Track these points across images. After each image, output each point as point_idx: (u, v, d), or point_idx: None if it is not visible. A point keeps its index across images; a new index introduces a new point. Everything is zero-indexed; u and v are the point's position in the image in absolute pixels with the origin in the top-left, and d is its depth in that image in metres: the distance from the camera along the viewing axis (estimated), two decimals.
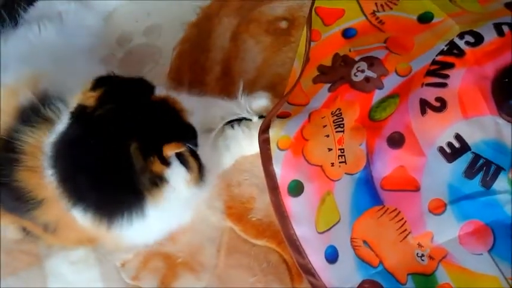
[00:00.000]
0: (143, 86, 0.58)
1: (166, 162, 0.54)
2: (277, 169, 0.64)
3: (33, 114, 0.61)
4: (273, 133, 0.66)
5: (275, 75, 0.75)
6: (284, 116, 0.68)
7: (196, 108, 0.60)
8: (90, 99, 0.55)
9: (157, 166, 0.53)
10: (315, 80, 0.69)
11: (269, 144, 0.66)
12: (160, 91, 0.58)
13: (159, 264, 0.67)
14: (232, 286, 0.64)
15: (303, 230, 0.61)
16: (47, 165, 0.57)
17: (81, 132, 0.55)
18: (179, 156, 0.55)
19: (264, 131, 0.66)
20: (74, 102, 0.56)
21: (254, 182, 0.69)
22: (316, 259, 0.60)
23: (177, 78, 0.76)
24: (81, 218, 0.57)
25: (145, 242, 0.65)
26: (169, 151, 0.54)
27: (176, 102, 0.58)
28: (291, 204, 0.62)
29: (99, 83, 0.56)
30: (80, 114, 0.55)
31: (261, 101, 0.70)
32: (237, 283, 0.65)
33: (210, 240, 0.67)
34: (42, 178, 0.58)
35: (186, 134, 0.56)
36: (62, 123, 0.57)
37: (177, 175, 0.56)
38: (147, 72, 0.76)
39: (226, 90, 0.73)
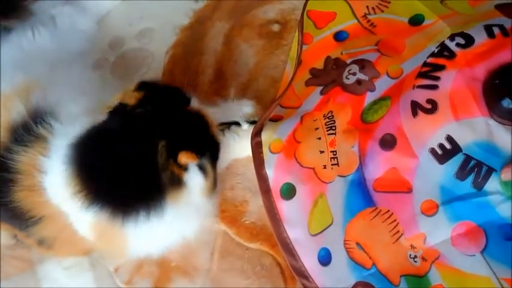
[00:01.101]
0: (181, 96, 0.61)
1: (182, 167, 0.57)
2: (270, 172, 0.64)
3: (25, 133, 0.61)
4: (265, 136, 0.66)
5: (268, 78, 0.75)
6: (276, 119, 0.69)
7: None
8: (132, 98, 0.57)
9: (175, 168, 0.56)
10: (308, 83, 0.69)
11: (261, 147, 0.66)
12: (194, 103, 0.61)
13: (153, 269, 0.67)
14: None
15: (295, 233, 0.61)
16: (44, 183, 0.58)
17: (117, 125, 0.57)
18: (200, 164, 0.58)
19: (256, 134, 0.66)
20: (113, 101, 0.58)
21: (247, 185, 0.69)
22: (309, 262, 0.60)
23: (170, 82, 0.76)
24: (88, 224, 0.57)
25: (149, 250, 0.64)
26: (184, 159, 0.56)
27: (207, 116, 0.61)
28: (284, 207, 0.62)
29: (142, 86, 0.59)
30: (119, 111, 0.57)
31: (246, 109, 0.70)
32: (231, 286, 0.65)
33: (204, 243, 0.67)
34: (40, 197, 0.58)
35: (210, 146, 0.60)
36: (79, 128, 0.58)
37: (194, 181, 0.58)
38: (140, 76, 0.75)
39: (219, 93, 0.74)
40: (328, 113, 0.65)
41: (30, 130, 0.61)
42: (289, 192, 0.63)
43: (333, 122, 0.64)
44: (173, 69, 0.78)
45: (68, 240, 0.60)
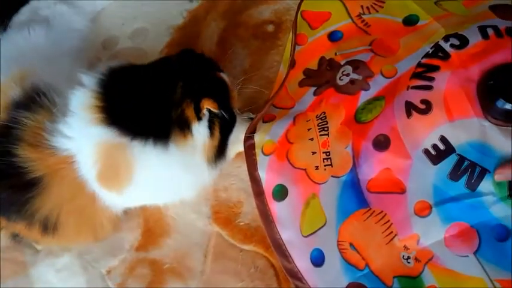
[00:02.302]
0: (216, 65, 0.66)
1: (198, 113, 0.59)
2: (262, 174, 0.64)
3: (29, 102, 0.63)
4: (258, 138, 0.66)
5: (263, 78, 0.75)
6: (269, 119, 0.68)
7: None
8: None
9: (189, 111, 0.59)
10: (301, 84, 0.69)
11: (254, 149, 0.66)
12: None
13: (145, 271, 0.67)
14: None
15: (288, 234, 0.61)
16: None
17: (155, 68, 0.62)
18: (211, 119, 0.61)
19: (249, 136, 0.66)
20: None
21: (241, 187, 0.68)
22: (302, 263, 0.60)
23: None
24: (94, 146, 0.58)
25: (148, 196, 0.66)
26: (206, 105, 0.59)
27: (232, 90, 0.65)
28: (276, 208, 0.62)
29: (183, 52, 0.64)
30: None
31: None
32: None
33: (197, 245, 0.67)
34: (44, 153, 0.59)
35: (228, 112, 0.63)
36: None
37: (200, 134, 0.60)
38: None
39: None
40: (320, 114, 0.65)
41: (33, 100, 0.63)
42: (281, 193, 0.62)
43: (325, 122, 0.64)
44: None
45: (74, 211, 0.61)
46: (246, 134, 0.67)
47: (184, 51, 0.65)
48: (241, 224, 0.67)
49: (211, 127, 0.61)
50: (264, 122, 0.69)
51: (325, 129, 0.63)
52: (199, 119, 0.59)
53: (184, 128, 0.59)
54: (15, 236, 0.65)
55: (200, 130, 0.60)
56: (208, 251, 0.66)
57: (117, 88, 0.60)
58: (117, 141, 0.57)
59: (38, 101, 0.63)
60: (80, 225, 0.63)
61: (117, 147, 0.57)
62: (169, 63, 0.63)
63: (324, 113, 0.64)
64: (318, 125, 0.64)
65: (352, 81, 0.64)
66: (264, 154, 0.65)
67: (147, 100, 0.59)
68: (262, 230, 0.65)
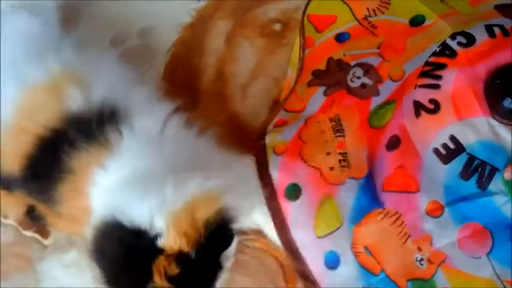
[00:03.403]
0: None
1: None
2: (274, 174, 0.63)
3: (86, 131, 0.57)
4: (269, 139, 0.66)
5: (269, 77, 0.75)
6: (281, 124, 0.68)
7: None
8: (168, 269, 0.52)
9: None
10: (310, 84, 0.69)
11: (265, 150, 0.65)
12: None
13: None
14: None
15: (301, 235, 0.60)
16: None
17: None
18: None
19: (260, 137, 0.66)
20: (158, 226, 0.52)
21: None
22: (315, 265, 0.59)
23: (171, 81, 0.75)
24: None
25: None
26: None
27: None
28: (289, 208, 0.61)
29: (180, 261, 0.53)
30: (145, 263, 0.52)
31: None
32: (232, 284, 0.63)
33: None
34: (84, 202, 0.56)
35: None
36: None
37: None
38: (141, 74, 0.75)
39: (220, 93, 0.73)
40: (334, 116, 0.64)
41: (92, 130, 0.57)
42: (294, 193, 0.61)
43: (340, 125, 0.63)
44: (174, 68, 0.77)
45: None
46: (256, 136, 0.66)
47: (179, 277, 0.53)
48: None
49: None
50: (275, 127, 0.68)
51: (340, 131, 0.63)
52: None
53: None
54: (30, 210, 0.65)
55: None
56: None
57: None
58: None
59: (94, 133, 0.57)
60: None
61: None
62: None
63: (338, 115, 0.64)
64: (332, 128, 0.63)
65: (363, 85, 0.64)
66: (276, 154, 0.64)
67: None
68: None
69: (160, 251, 0.51)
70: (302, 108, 0.68)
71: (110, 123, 0.58)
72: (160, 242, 0.51)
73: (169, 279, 0.51)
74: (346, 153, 0.62)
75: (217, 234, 0.54)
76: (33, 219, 0.65)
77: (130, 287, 0.53)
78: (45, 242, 0.69)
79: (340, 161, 0.61)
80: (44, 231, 0.69)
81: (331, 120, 0.64)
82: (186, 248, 0.51)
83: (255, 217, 0.64)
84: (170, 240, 0.51)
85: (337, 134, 0.63)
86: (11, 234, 0.70)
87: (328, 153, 0.62)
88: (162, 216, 0.52)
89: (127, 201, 0.54)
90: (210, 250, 0.54)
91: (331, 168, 0.61)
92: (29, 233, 0.69)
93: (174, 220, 0.52)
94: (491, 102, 0.54)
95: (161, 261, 0.51)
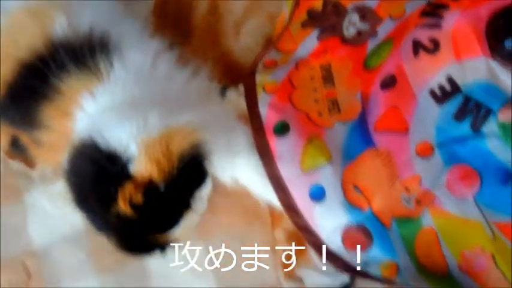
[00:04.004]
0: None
1: None
2: (263, 111, 0.62)
3: (77, 57, 0.57)
4: (260, 78, 0.64)
5: (264, 13, 0.72)
6: (271, 65, 0.67)
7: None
8: (134, 196, 0.52)
9: None
10: (304, 25, 0.67)
11: (255, 87, 0.64)
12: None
13: None
14: (213, 224, 0.65)
15: (287, 169, 0.60)
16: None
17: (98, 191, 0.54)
18: None
19: (250, 75, 0.65)
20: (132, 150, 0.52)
21: None
22: (299, 197, 0.59)
23: (162, 15, 0.73)
24: None
25: None
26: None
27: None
28: (276, 144, 0.60)
29: (150, 196, 0.53)
30: (114, 185, 0.52)
31: None
32: (219, 221, 0.66)
33: None
34: (67, 125, 0.57)
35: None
36: None
37: None
38: (131, 8, 0.72)
39: (212, 28, 0.72)
40: (326, 65, 0.63)
41: (84, 56, 0.57)
42: (282, 129, 0.61)
43: (330, 74, 0.62)
44: (165, 2, 0.74)
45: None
46: (246, 73, 0.65)
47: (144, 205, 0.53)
48: None
49: None
50: (265, 67, 0.67)
51: (330, 80, 0.62)
52: None
53: None
54: (14, 141, 0.64)
55: None
56: None
57: None
58: None
59: (86, 61, 0.57)
60: None
61: None
62: None
63: (330, 64, 0.63)
64: (322, 77, 0.63)
65: (359, 33, 0.63)
66: (266, 92, 0.63)
67: None
68: None
69: (130, 177, 0.52)
70: (293, 49, 0.66)
71: (101, 52, 0.58)
72: (131, 168, 0.51)
73: (133, 206, 0.51)
74: (336, 100, 0.61)
75: (189, 169, 0.54)
76: (17, 149, 0.65)
77: (95, 208, 0.54)
78: (32, 173, 0.69)
79: (328, 107, 0.61)
80: (30, 162, 0.69)
81: (321, 68, 0.63)
82: (156, 176, 0.52)
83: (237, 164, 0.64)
84: (141, 165, 0.51)
85: (327, 83, 0.62)
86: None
87: (316, 101, 0.62)
88: (137, 142, 0.52)
89: (107, 124, 0.54)
90: (180, 186, 0.54)
91: (319, 114, 0.61)
92: (15, 164, 0.69)
93: (147, 147, 0.52)
94: (492, 43, 0.53)
95: (129, 186, 0.51)
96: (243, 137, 0.62)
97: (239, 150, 0.62)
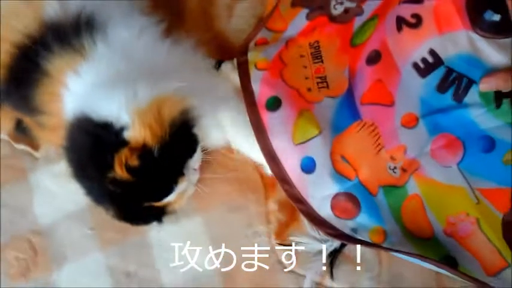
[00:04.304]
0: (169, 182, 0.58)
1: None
2: (256, 87, 0.64)
3: (62, 38, 0.58)
4: (252, 56, 0.66)
5: None
6: (262, 43, 0.68)
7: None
8: (130, 159, 0.53)
9: None
10: (294, 3, 0.68)
11: (247, 65, 0.66)
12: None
13: None
14: (210, 195, 0.65)
15: (279, 142, 0.62)
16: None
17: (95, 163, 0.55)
18: None
19: (242, 53, 0.66)
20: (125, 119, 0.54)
21: None
22: (291, 169, 0.61)
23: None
24: None
25: None
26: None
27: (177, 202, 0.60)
28: (268, 118, 0.62)
29: (146, 159, 0.54)
30: (110, 154, 0.53)
31: None
32: (215, 192, 0.67)
33: None
34: (59, 106, 0.58)
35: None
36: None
37: None
38: None
39: (206, 11, 0.73)
40: (314, 43, 0.65)
41: (68, 37, 0.58)
42: (274, 104, 0.63)
43: (319, 52, 0.64)
44: None
45: None
46: (238, 51, 0.66)
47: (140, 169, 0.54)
48: None
49: None
50: (257, 45, 0.68)
51: (319, 57, 0.64)
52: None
53: None
54: (18, 124, 0.66)
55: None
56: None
57: None
58: None
59: (70, 40, 0.58)
60: None
61: None
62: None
63: (318, 41, 0.65)
64: (311, 54, 0.64)
65: (346, 10, 0.64)
66: (258, 69, 0.65)
67: None
68: None
69: (125, 143, 0.53)
70: (283, 29, 0.68)
71: (86, 31, 0.58)
72: (125, 134, 0.53)
73: (129, 170, 0.53)
74: (324, 76, 0.63)
75: (180, 134, 0.56)
76: (22, 132, 0.67)
77: (93, 178, 0.55)
78: (36, 154, 0.72)
79: (318, 83, 0.63)
80: (34, 144, 0.71)
81: (310, 46, 0.65)
82: (149, 141, 0.53)
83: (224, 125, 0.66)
84: (135, 131, 0.53)
85: (316, 60, 0.64)
86: (5, 147, 0.73)
87: (306, 77, 0.63)
88: (129, 110, 0.54)
89: (97, 98, 0.55)
90: (173, 151, 0.56)
91: (309, 89, 0.63)
92: (20, 146, 0.72)
93: (140, 114, 0.54)
94: (472, 16, 0.54)
95: (124, 152, 0.53)
96: (232, 102, 0.64)
97: (225, 110, 0.64)
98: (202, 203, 0.68)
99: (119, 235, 0.69)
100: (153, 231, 0.68)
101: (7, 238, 0.71)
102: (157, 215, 0.59)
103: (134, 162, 0.53)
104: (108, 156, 0.52)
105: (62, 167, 0.62)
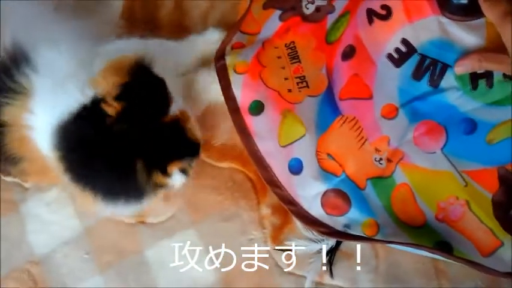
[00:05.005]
0: (161, 103, 0.58)
1: (168, 175, 0.58)
2: (237, 92, 0.64)
3: (6, 78, 0.57)
4: (230, 59, 0.66)
5: (228, 5, 0.74)
6: (238, 47, 0.68)
7: (159, 53, 0.61)
8: (111, 108, 0.54)
9: (160, 179, 0.57)
10: (265, 5, 0.68)
11: (226, 70, 0.66)
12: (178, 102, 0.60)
13: None
14: (202, 206, 0.66)
15: (265, 146, 0.62)
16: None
17: (96, 136, 0.55)
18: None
19: (219, 58, 0.66)
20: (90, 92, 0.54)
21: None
22: (280, 171, 0.61)
23: (130, 18, 0.74)
24: None
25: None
26: (172, 168, 0.58)
27: (187, 120, 0.60)
28: (253, 122, 0.63)
29: (122, 95, 0.54)
30: (99, 119, 0.54)
31: (213, 35, 0.70)
32: (207, 203, 0.67)
33: None
34: (33, 148, 0.57)
35: (191, 151, 0.60)
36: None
37: (177, 180, 0.59)
38: (100, 15, 0.74)
39: (179, 24, 0.73)
40: (289, 43, 0.65)
41: (10, 76, 0.57)
42: (257, 108, 0.63)
43: (295, 52, 0.64)
44: (132, 5, 0.74)
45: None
46: (215, 57, 0.66)
47: (125, 110, 0.55)
48: (217, 144, 0.69)
49: (184, 169, 0.60)
50: (232, 49, 0.68)
51: (296, 57, 0.64)
52: (170, 176, 0.59)
53: (159, 188, 0.59)
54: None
55: (175, 178, 0.59)
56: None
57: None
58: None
59: (14, 79, 0.57)
60: None
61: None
62: (119, 137, 0.55)
63: (293, 42, 0.65)
64: (288, 54, 0.65)
65: (317, 9, 0.64)
66: (237, 73, 0.65)
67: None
68: (238, 148, 0.68)
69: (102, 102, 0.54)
70: (257, 31, 0.68)
71: (16, 69, 0.57)
72: (96, 92, 0.54)
73: (117, 115, 0.54)
74: (304, 76, 0.63)
75: (142, 74, 0.57)
76: (9, 166, 0.64)
77: (91, 152, 0.55)
78: (26, 184, 0.71)
79: (298, 83, 0.63)
80: (23, 176, 0.70)
81: (286, 47, 0.65)
82: (118, 83, 0.54)
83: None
84: (102, 87, 0.54)
85: (293, 60, 0.64)
86: None
87: (285, 78, 0.63)
88: (91, 81, 0.55)
89: (60, 103, 0.56)
90: (144, 86, 0.57)
91: (289, 90, 0.63)
92: (9, 178, 0.71)
93: (97, 79, 0.55)
94: (440, 1, 0.55)
95: (103, 105, 0.54)
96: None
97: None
98: (194, 216, 0.68)
99: (116, 257, 0.68)
100: (150, 250, 0.68)
101: (6, 270, 0.71)
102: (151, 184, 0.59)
103: (117, 105, 0.54)
104: (97, 123, 0.54)
105: (53, 194, 0.62)
